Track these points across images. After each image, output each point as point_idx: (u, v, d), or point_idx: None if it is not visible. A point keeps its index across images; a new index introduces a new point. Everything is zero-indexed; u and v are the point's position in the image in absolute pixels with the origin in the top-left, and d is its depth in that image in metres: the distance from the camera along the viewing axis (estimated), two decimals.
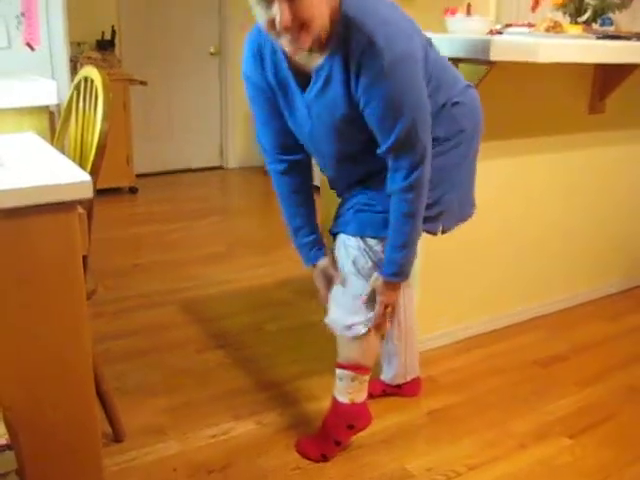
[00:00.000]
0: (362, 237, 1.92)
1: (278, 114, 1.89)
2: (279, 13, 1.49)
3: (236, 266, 3.80)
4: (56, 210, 1.51)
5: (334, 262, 2.01)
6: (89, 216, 1.69)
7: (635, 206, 3.42)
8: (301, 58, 1.70)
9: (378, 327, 1.98)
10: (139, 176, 5.54)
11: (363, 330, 1.97)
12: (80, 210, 1.57)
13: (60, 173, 1.57)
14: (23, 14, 3.48)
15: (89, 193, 1.51)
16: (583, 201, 3.17)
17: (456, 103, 1.90)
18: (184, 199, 5.31)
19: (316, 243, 2.05)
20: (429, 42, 1.83)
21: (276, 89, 1.81)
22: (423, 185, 1.77)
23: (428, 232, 1.99)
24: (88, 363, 1.69)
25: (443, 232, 2.03)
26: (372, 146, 1.78)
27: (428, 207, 1.88)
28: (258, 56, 1.79)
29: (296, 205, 2.03)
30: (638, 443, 2.25)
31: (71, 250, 1.57)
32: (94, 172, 1.69)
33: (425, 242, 2.08)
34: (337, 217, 2.03)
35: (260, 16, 1.55)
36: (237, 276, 3.63)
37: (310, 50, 1.64)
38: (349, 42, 1.60)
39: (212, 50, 6.05)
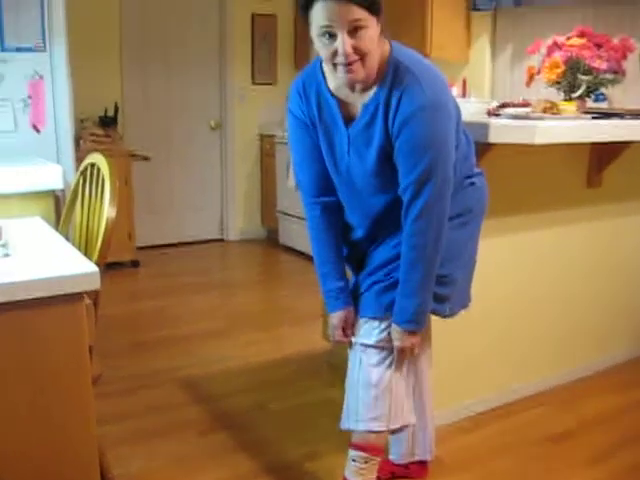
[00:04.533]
0: (384, 317, 1.97)
1: (318, 154, 1.97)
2: (342, 44, 1.67)
3: (237, 342, 3.77)
4: (64, 302, 1.52)
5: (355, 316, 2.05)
6: (95, 305, 1.70)
7: (636, 276, 3.43)
8: (349, 97, 1.84)
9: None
10: (140, 249, 5.56)
11: (377, 428, 2.00)
12: (87, 301, 1.58)
13: (67, 264, 1.59)
14: (30, 97, 3.56)
15: (96, 284, 1.53)
16: (585, 273, 3.18)
17: (472, 184, 2.01)
18: (185, 272, 5.32)
19: (344, 290, 2.05)
20: (459, 115, 1.91)
21: (317, 124, 1.92)
22: (435, 229, 1.82)
23: (435, 313, 2.03)
24: (94, 450, 1.67)
25: (450, 316, 2.07)
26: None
27: (440, 284, 1.92)
28: (303, 94, 1.93)
29: (327, 250, 2.05)
30: None
31: (78, 341, 1.57)
32: (101, 262, 1.70)
33: (432, 319, 2.11)
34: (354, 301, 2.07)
35: (323, 47, 1.72)
36: (238, 353, 3.61)
37: (362, 89, 1.80)
38: (396, 80, 1.76)
39: (212, 124, 6.16)
